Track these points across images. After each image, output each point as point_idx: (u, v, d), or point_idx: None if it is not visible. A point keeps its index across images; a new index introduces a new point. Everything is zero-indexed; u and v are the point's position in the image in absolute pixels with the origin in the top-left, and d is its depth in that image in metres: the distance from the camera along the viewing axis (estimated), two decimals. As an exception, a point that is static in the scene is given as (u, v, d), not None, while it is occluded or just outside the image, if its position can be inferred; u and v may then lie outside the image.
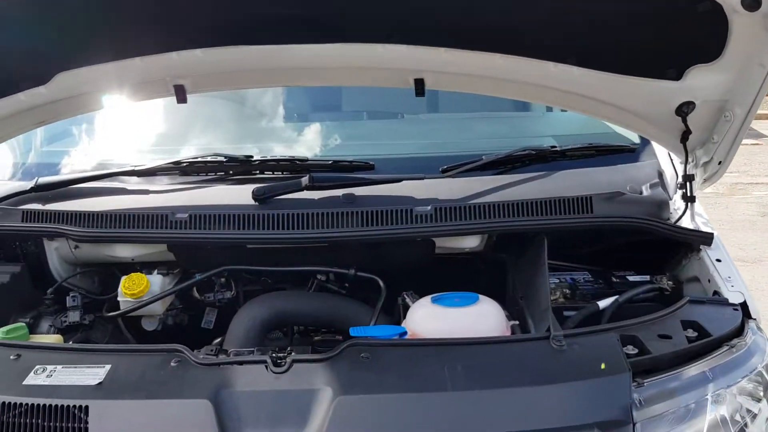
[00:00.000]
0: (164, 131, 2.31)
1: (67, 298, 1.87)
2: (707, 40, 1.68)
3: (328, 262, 1.91)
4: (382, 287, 1.83)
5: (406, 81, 1.86)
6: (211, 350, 1.68)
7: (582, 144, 2.12)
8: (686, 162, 1.97)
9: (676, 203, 2.06)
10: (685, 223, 1.99)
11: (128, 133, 2.34)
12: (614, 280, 1.95)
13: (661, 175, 2.13)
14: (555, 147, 2.10)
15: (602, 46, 1.76)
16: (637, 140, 2.25)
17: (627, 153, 2.19)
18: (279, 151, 2.21)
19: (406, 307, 1.80)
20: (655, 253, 2.03)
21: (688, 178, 1.97)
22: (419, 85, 1.86)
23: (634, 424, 1.37)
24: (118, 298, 1.87)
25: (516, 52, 1.76)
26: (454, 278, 2.03)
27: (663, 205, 2.02)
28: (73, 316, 1.83)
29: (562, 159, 2.11)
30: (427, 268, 1.96)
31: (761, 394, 1.56)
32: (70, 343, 1.75)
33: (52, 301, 1.91)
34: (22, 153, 2.31)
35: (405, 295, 1.83)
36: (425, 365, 1.44)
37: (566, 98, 1.89)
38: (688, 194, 1.98)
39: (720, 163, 1.94)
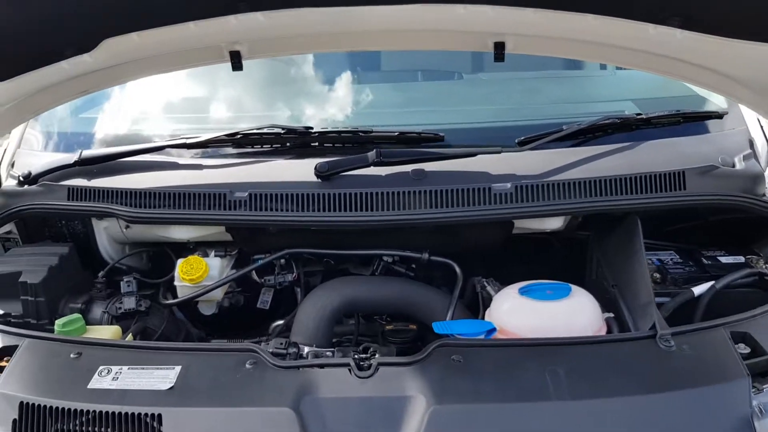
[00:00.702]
0: (214, 98, 2.15)
1: (122, 283, 1.75)
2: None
3: (395, 243, 1.78)
4: (458, 274, 1.70)
5: (485, 44, 1.67)
6: (281, 344, 1.56)
7: (669, 111, 1.94)
8: (792, 133, 1.79)
9: (770, 176, 1.90)
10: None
11: (173, 100, 2.18)
12: (705, 261, 1.80)
13: (752, 143, 1.96)
14: (641, 114, 1.92)
15: (709, 6, 1.57)
16: (724, 104, 2.06)
17: (715, 119, 2.01)
18: (333, 116, 2.04)
19: (486, 296, 1.67)
20: (746, 229, 1.88)
21: (789, 150, 1.80)
22: (499, 49, 1.67)
23: (756, 437, 1.24)
24: (175, 283, 1.76)
25: (611, 12, 1.57)
26: (526, 257, 1.90)
27: (758, 179, 1.85)
28: (129, 303, 1.71)
29: (646, 127, 1.93)
30: (499, 248, 1.82)
31: None
32: (129, 337, 1.63)
33: (104, 285, 1.79)
34: (58, 121, 2.16)
35: (484, 282, 1.70)
36: (524, 370, 1.32)
37: (662, 63, 1.69)
38: (791, 168, 1.81)
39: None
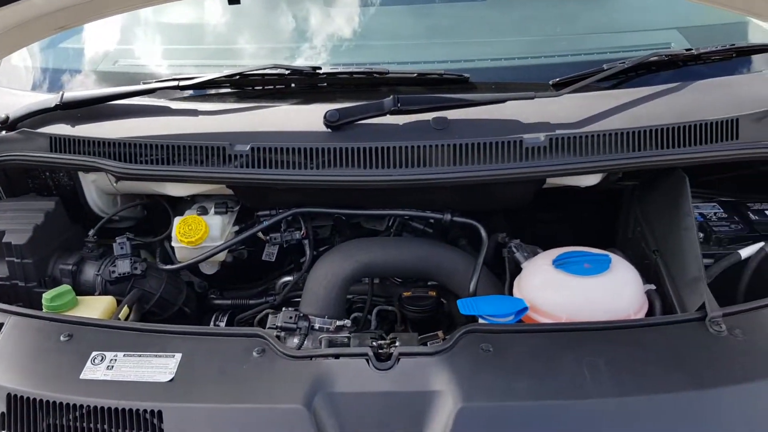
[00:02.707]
0: (211, 34, 1.91)
1: (114, 245, 1.61)
2: None
3: (413, 202, 1.61)
4: (483, 237, 1.54)
5: None
6: (290, 317, 1.44)
7: (721, 45, 1.71)
8: None
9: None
10: None
11: (165, 32, 1.95)
12: (753, 217, 1.63)
13: (814, 82, 1.75)
14: (690, 49, 1.69)
15: None
16: (782, 34, 1.84)
17: (770, 52, 1.79)
18: (343, 52, 1.82)
19: (514, 261, 1.52)
20: None
21: None
22: None
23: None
24: (173, 244, 1.61)
25: None
26: (547, 210, 1.74)
27: (819, 124, 1.66)
28: (123, 266, 1.57)
29: (694, 63, 1.72)
30: (527, 204, 1.66)
31: None
32: (125, 310, 1.50)
33: (95, 245, 1.65)
34: (38, 53, 1.94)
35: (512, 246, 1.55)
36: (560, 362, 1.19)
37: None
38: None
39: None
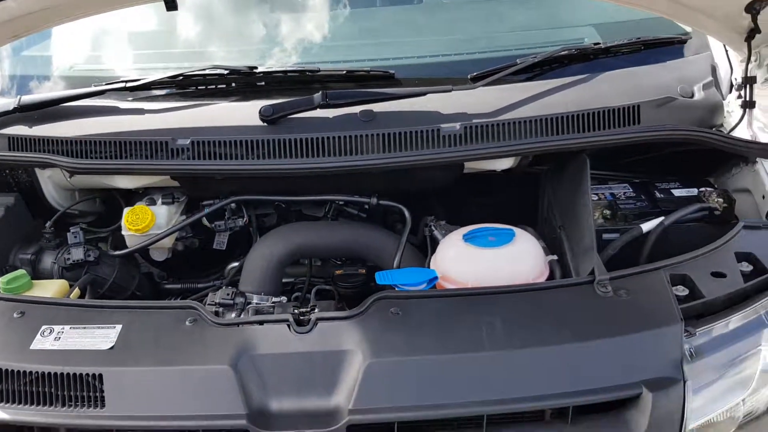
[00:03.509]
0: (153, 34, 2.06)
1: (68, 234, 1.74)
2: None
3: (345, 188, 1.76)
4: (407, 217, 1.69)
5: None
6: (228, 294, 1.57)
7: (629, 39, 1.86)
8: (748, 62, 1.73)
9: (730, 105, 1.85)
10: (742, 130, 1.79)
11: (117, 39, 2.09)
12: (658, 195, 1.78)
13: (714, 70, 1.90)
14: (598, 43, 1.85)
15: None
16: (688, 28, 1.98)
17: (677, 45, 1.94)
18: (279, 53, 1.96)
19: (433, 238, 1.67)
20: (702, 159, 1.86)
21: (750, 80, 1.75)
22: None
23: (685, 381, 1.27)
24: (123, 233, 1.74)
25: None
26: (478, 193, 1.88)
27: (716, 109, 1.82)
28: (77, 254, 1.71)
29: (604, 56, 1.87)
30: (452, 187, 1.80)
31: None
32: (76, 291, 1.63)
33: (53, 234, 1.78)
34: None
35: (430, 224, 1.69)
36: (460, 321, 1.33)
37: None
38: (747, 99, 1.76)
39: (789, 62, 1.71)
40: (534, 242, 1.54)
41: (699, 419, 1.29)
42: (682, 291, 1.39)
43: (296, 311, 1.37)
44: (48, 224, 1.79)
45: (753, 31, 1.64)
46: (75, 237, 1.73)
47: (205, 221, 1.81)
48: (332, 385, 1.26)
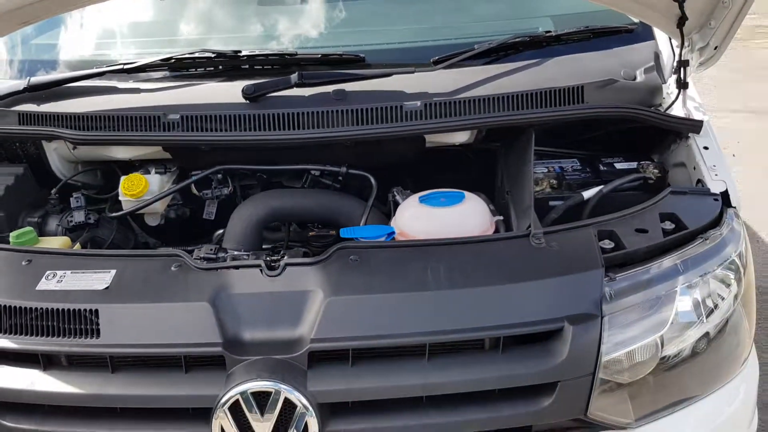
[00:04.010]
0: (152, 23, 2.27)
1: (71, 199, 1.94)
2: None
3: (321, 159, 1.96)
4: (373, 184, 1.88)
5: None
6: (211, 249, 1.77)
7: (578, 27, 2.06)
8: (681, 47, 1.93)
9: (670, 87, 2.04)
10: (677, 109, 1.98)
11: (117, 26, 2.30)
12: (602, 168, 1.98)
13: (657, 56, 2.09)
14: (550, 32, 2.05)
15: None
16: (636, 19, 2.18)
17: (624, 34, 2.14)
18: (263, 37, 2.18)
19: (396, 204, 1.86)
20: (645, 137, 2.05)
21: (683, 63, 1.95)
22: None
23: (602, 317, 1.46)
24: (119, 198, 1.95)
25: None
26: (445, 169, 2.08)
27: (656, 90, 2.01)
28: (78, 216, 1.91)
29: (557, 44, 2.06)
30: (418, 160, 2.00)
31: (732, 279, 1.64)
32: (77, 246, 1.84)
33: (58, 200, 1.99)
34: (10, 48, 2.29)
35: (395, 192, 1.89)
36: (410, 266, 1.52)
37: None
38: (682, 80, 1.96)
39: (716, 48, 1.91)
40: (481, 204, 1.73)
41: (614, 352, 1.48)
42: (608, 244, 1.58)
43: (268, 258, 1.56)
44: (53, 190, 1.99)
45: (682, 19, 1.84)
46: (77, 201, 1.93)
47: (194, 190, 2.02)
48: (297, 318, 1.45)
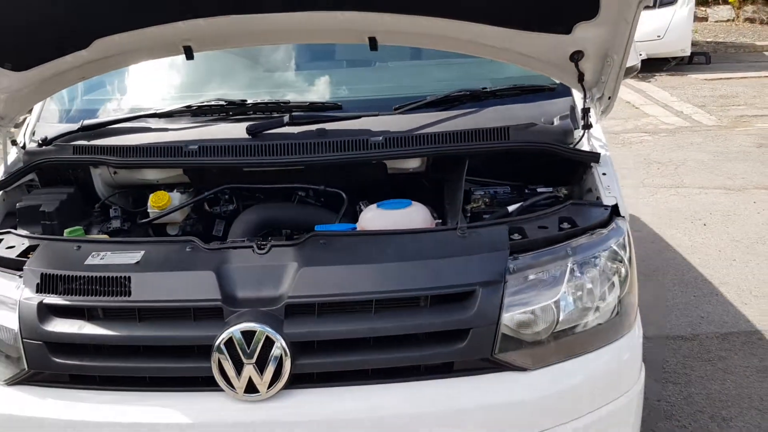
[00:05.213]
0: (178, 82, 2.91)
1: (110, 210, 2.50)
2: (587, 2, 2.19)
3: (305, 181, 2.51)
4: (344, 198, 2.42)
5: (362, 39, 2.40)
6: (218, 242, 2.30)
7: (509, 85, 2.66)
8: (585, 98, 2.50)
9: (581, 131, 2.60)
10: (584, 146, 2.53)
11: (151, 84, 2.94)
12: (527, 191, 2.51)
13: (573, 108, 2.66)
14: (486, 88, 2.64)
15: (506, 8, 2.28)
16: (558, 81, 2.77)
17: (547, 92, 2.72)
18: (265, 91, 2.80)
19: (362, 211, 2.40)
20: (563, 170, 2.59)
21: (586, 110, 2.50)
22: (372, 42, 2.40)
23: (504, 283, 1.95)
24: (148, 210, 2.50)
25: (443, 15, 2.28)
26: (403, 192, 2.62)
27: (568, 132, 2.56)
28: (116, 223, 2.46)
29: (492, 98, 2.65)
30: (382, 184, 2.55)
31: (616, 262, 2.12)
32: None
33: (99, 214, 2.54)
34: (68, 101, 2.92)
35: (361, 204, 2.43)
36: (365, 248, 2.04)
37: (485, 49, 2.42)
38: (586, 123, 2.51)
39: (609, 98, 2.47)
40: (424, 209, 2.27)
41: (515, 310, 1.96)
42: (516, 236, 2.09)
43: (258, 242, 2.09)
44: (97, 205, 2.55)
45: (581, 75, 2.42)
46: (115, 212, 2.48)
47: (206, 207, 2.56)
48: (278, 282, 1.95)
